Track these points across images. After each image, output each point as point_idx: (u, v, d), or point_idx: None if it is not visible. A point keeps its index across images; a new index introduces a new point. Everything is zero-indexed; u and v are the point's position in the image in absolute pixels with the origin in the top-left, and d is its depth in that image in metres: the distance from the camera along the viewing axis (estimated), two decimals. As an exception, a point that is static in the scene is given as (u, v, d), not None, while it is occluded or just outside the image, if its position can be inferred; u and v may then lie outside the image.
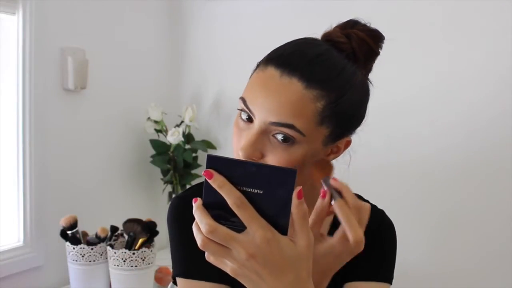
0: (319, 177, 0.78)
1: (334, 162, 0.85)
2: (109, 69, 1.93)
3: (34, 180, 1.65)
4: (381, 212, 0.91)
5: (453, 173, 1.60)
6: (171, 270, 1.81)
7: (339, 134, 0.78)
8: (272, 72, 0.73)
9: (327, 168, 0.85)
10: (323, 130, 0.74)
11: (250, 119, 0.75)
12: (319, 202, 0.72)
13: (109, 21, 1.93)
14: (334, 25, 0.81)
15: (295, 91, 0.71)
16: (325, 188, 0.73)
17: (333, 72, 0.74)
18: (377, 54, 0.81)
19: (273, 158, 0.73)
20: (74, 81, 1.74)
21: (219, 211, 0.60)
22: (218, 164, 0.60)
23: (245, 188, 0.59)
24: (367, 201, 0.92)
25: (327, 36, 0.80)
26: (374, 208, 0.91)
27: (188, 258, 0.86)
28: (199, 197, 0.61)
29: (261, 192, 0.59)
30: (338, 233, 0.72)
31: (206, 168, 0.60)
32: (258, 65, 0.78)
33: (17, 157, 1.63)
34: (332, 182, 0.73)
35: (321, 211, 0.72)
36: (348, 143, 0.82)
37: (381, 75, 1.73)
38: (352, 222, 0.69)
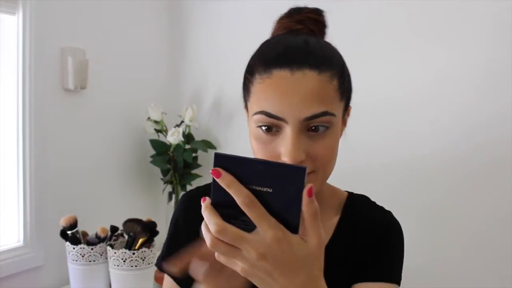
0: None
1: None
2: (109, 69, 1.93)
3: (34, 180, 1.65)
4: (389, 213, 0.92)
5: (451, 172, 1.60)
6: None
7: (347, 104, 0.81)
8: (280, 74, 0.72)
9: None
10: (342, 104, 0.77)
11: (277, 129, 0.73)
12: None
13: (109, 21, 1.93)
14: (276, 22, 0.84)
15: (312, 80, 0.72)
16: None
17: (328, 51, 0.77)
18: (327, 27, 0.84)
19: (318, 150, 0.73)
20: (74, 81, 1.74)
21: (229, 210, 0.58)
22: (226, 162, 0.58)
23: (254, 187, 0.58)
24: (373, 202, 0.93)
25: (283, 31, 0.82)
26: (381, 209, 0.92)
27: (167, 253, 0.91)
28: (207, 196, 0.60)
29: (271, 190, 0.58)
30: None
31: (214, 166, 0.58)
32: (251, 77, 0.76)
33: (17, 157, 1.63)
34: None
35: None
36: (349, 110, 0.84)
37: (379, 74, 1.74)
38: None
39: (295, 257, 0.58)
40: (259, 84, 0.74)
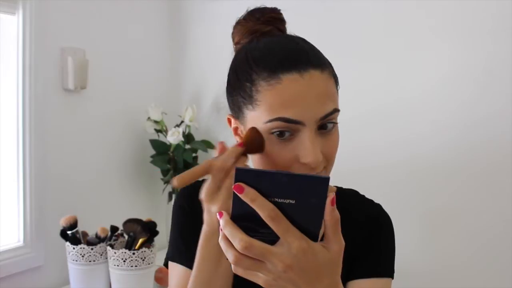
0: None
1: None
2: (109, 69, 1.93)
3: (34, 180, 1.65)
4: (378, 206, 0.92)
5: (454, 173, 1.60)
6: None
7: None
8: (289, 77, 0.71)
9: None
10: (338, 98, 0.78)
11: (291, 133, 0.72)
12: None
13: (109, 21, 1.93)
14: (238, 25, 0.85)
15: (320, 80, 0.73)
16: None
17: (316, 49, 0.78)
18: (285, 22, 0.85)
19: (329, 147, 0.74)
20: (74, 81, 1.74)
21: (247, 224, 0.59)
22: (248, 176, 0.58)
23: (276, 199, 0.58)
24: (362, 196, 0.92)
25: (253, 35, 0.81)
26: (371, 202, 0.92)
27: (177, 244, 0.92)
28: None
29: (293, 202, 0.58)
30: None
31: (235, 181, 0.58)
32: (253, 85, 0.73)
33: (17, 157, 1.63)
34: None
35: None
36: None
37: (379, 76, 1.74)
38: None
39: (320, 266, 0.60)
40: (268, 91, 0.72)
